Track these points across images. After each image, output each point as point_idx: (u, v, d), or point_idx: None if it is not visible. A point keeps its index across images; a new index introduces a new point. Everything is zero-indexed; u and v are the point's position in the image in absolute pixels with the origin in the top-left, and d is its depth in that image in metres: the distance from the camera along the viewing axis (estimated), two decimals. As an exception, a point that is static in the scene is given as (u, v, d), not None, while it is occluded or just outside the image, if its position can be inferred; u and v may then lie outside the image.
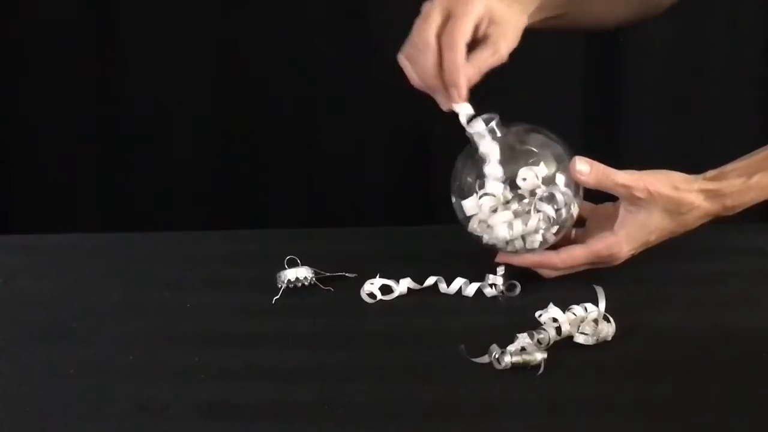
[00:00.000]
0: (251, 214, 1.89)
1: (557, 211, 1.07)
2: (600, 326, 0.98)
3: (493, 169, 1.07)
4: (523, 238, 1.08)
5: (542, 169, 1.07)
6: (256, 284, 1.11)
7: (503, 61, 1.09)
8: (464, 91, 1.06)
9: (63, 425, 0.88)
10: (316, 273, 1.11)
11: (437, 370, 0.95)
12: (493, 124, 1.07)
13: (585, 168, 1.07)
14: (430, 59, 1.06)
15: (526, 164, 1.07)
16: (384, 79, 1.83)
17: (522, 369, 0.93)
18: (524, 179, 1.06)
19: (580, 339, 0.97)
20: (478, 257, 1.11)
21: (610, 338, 0.98)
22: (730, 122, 1.84)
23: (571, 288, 1.07)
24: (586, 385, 0.92)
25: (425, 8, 1.08)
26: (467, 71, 1.06)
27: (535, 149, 1.08)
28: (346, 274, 1.12)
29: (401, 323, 1.04)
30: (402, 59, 1.09)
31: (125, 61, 1.86)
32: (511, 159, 1.07)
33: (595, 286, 1.02)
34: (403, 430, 0.87)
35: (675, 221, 1.08)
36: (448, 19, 1.07)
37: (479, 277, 1.09)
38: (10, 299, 1.11)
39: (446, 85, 1.06)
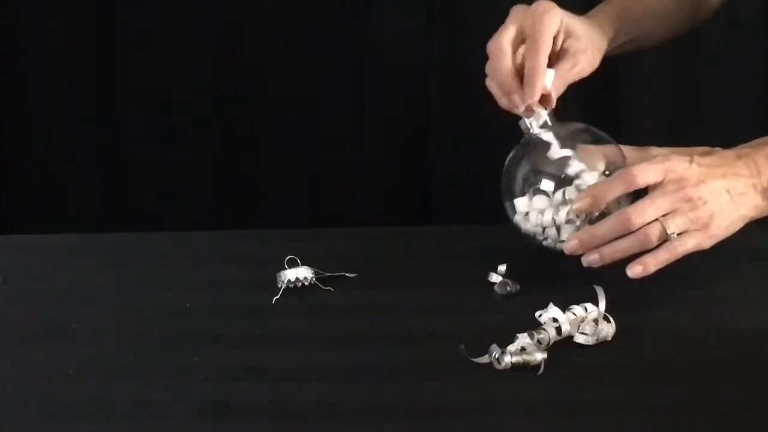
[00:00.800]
0: (251, 214, 1.89)
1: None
2: (600, 326, 0.98)
3: (555, 153, 1.08)
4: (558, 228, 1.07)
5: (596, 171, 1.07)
6: (256, 284, 1.11)
7: (584, 76, 1.14)
8: (538, 93, 1.08)
9: (63, 425, 0.88)
10: (316, 273, 1.11)
11: (437, 370, 0.95)
12: (545, 115, 1.09)
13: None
14: (504, 64, 1.09)
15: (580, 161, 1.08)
16: (384, 79, 1.85)
17: (522, 369, 0.93)
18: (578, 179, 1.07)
19: (580, 339, 0.97)
20: (479, 257, 1.11)
21: (610, 338, 0.98)
22: (731, 123, 1.84)
23: (572, 288, 1.07)
24: (586, 385, 0.92)
25: (501, 27, 1.13)
26: (551, 80, 1.10)
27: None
28: (346, 274, 1.12)
29: (401, 323, 1.04)
30: (488, 82, 1.12)
31: (125, 61, 1.86)
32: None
33: (595, 286, 1.02)
34: (403, 430, 0.87)
35: (707, 153, 1.07)
36: (522, 31, 1.11)
37: (479, 276, 1.09)
38: (10, 299, 1.11)
39: (525, 87, 1.09)
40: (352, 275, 1.12)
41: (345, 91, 1.86)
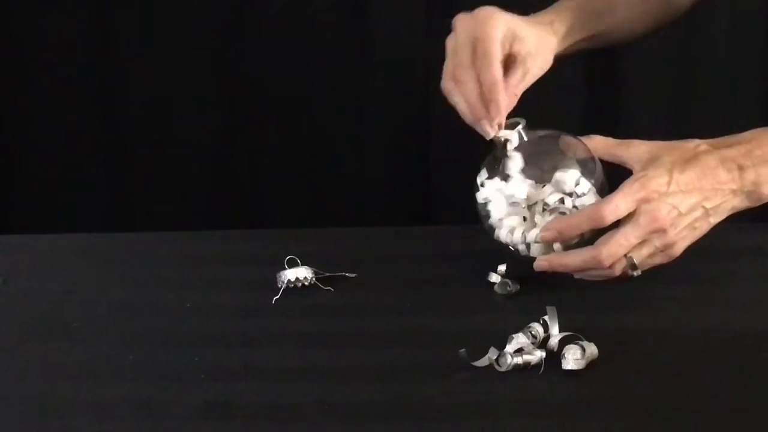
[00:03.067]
0: (251, 214, 1.89)
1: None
2: (587, 350, 0.95)
3: (516, 175, 1.09)
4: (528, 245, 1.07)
5: (573, 174, 1.07)
6: (256, 284, 1.11)
7: (536, 79, 1.11)
8: (503, 107, 1.06)
9: (63, 425, 0.88)
10: (316, 273, 1.11)
11: (437, 370, 0.94)
12: (519, 128, 1.08)
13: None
14: (472, 87, 1.07)
15: (553, 168, 1.08)
16: (384, 78, 1.85)
17: (523, 369, 0.93)
18: (558, 182, 1.07)
19: (569, 365, 0.94)
20: (479, 257, 1.11)
21: (596, 356, 0.96)
22: (730, 123, 1.84)
23: (571, 288, 1.07)
24: (586, 385, 0.92)
25: (449, 43, 1.10)
26: (505, 94, 1.07)
27: (561, 154, 1.09)
28: (346, 274, 1.12)
29: (401, 323, 1.04)
30: (444, 90, 1.10)
31: (125, 61, 1.86)
32: (536, 163, 1.09)
33: (548, 306, 0.99)
34: (403, 430, 0.87)
35: (691, 165, 1.04)
36: (473, 41, 1.07)
37: (479, 276, 1.09)
38: (10, 299, 1.11)
39: (486, 102, 1.06)
40: (352, 275, 1.12)
41: (345, 91, 1.86)
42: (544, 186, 1.08)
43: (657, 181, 1.03)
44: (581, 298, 1.05)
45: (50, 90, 1.88)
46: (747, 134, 1.08)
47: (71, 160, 1.90)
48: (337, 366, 0.96)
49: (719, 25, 1.82)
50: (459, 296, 1.09)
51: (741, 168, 1.05)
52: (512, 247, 1.08)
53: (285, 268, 1.10)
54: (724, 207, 1.05)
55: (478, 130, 1.08)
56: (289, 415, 0.88)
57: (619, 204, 1.02)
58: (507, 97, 1.07)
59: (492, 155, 1.10)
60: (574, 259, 1.04)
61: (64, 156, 1.90)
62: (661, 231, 1.03)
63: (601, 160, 1.09)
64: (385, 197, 1.88)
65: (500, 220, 1.08)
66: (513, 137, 1.08)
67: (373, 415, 0.88)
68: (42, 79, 1.87)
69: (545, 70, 1.13)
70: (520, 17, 1.13)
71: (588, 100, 1.83)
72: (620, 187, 1.04)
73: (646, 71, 1.84)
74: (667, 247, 1.04)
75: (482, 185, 1.10)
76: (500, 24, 1.08)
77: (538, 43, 1.12)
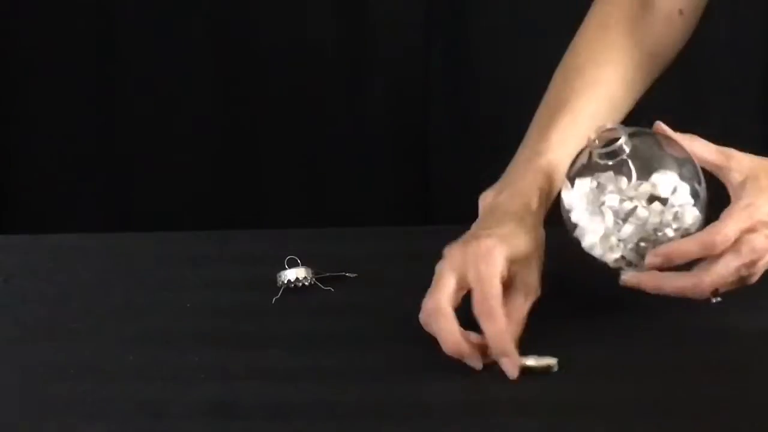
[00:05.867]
0: (251, 214, 1.89)
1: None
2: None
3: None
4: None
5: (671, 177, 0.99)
6: (256, 284, 1.11)
7: (539, 295, 1.00)
8: (516, 357, 0.94)
9: (63, 425, 0.88)
10: (316, 273, 1.11)
11: (437, 370, 0.94)
12: (622, 142, 0.98)
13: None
14: (449, 327, 0.95)
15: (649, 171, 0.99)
16: (384, 78, 1.85)
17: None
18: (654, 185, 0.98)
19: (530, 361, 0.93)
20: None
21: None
22: (731, 124, 1.84)
23: (570, 288, 1.07)
24: (586, 385, 0.92)
25: (437, 270, 1.00)
26: (511, 332, 0.96)
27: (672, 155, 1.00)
28: (346, 274, 1.12)
29: (401, 323, 1.04)
30: (423, 323, 0.99)
31: (125, 61, 1.86)
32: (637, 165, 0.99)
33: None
34: (403, 430, 0.87)
35: None
36: (462, 280, 0.97)
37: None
38: (10, 299, 1.11)
39: (495, 356, 0.95)
40: (352, 275, 1.12)
41: (345, 91, 1.86)
42: (640, 185, 0.98)
43: (762, 210, 0.98)
44: (579, 299, 1.05)
45: (50, 90, 1.88)
46: None
47: (71, 160, 1.90)
48: (337, 366, 0.96)
49: (719, 26, 1.82)
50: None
51: None
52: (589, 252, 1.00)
53: (285, 268, 1.10)
54: None
55: (469, 362, 0.96)
56: (289, 415, 0.88)
57: (730, 234, 0.97)
58: (514, 329, 0.96)
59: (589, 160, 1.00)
60: (671, 284, 0.98)
61: (64, 156, 1.90)
62: (754, 266, 0.99)
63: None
64: (385, 197, 1.88)
65: (583, 228, 1.00)
66: (621, 147, 0.98)
67: (373, 415, 0.88)
68: (42, 79, 1.87)
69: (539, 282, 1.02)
70: (521, 237, 1.00)
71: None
72: (728, 214, 0.98)
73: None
74: (750, 276, 1.00)
75: (572, 184, 1.00)
76: (499, 261, 0.97)
77: (534, 255, 1.00)
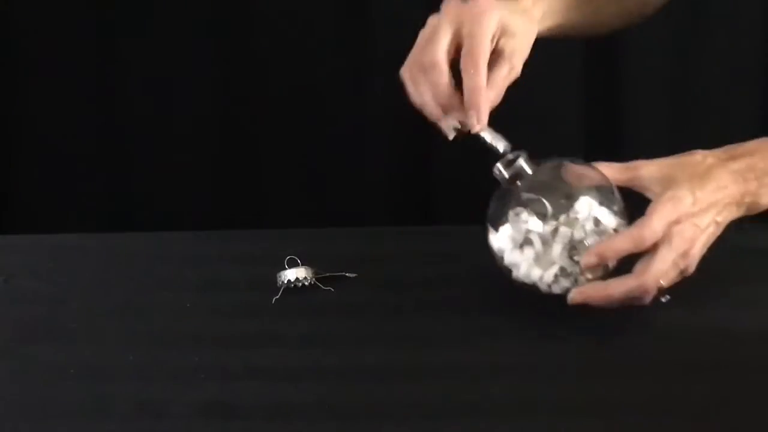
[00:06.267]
0: (251, 214, 1.89)
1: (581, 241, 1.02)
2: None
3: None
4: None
5: (589, 202, 1.02)
6: (256, 284, 1.11)
7: (518, 76, 1.05)
8: (485, 116, 1.01)
9: (63, 425, 0.88)
10: (316, 273, 1.11)
11: (437, 370, 0.95)
12: (521, 161, 1.03)
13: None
14: (442, 80, 1.01)
15: (563, 198, 1.03)
16: (384, 78, 1.85)
17: (524, 367, 0.93)
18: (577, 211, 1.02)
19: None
20: (478, 257, 1.11)
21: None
22: (732, 124, 1.84)
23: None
24: (587, 385, 0.92)
25: (431, 23, 1.04)
26: (489, 94, 1.01)
27: (571, 182, 1.04)
28: (346, 274, 1.12)
29: (401, 323, 1.04)
30: (405, 76, 1.04)
31: (125, 61, 1.86)
32: (548, 194, 1.03)
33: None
34: (403, 430, 0.87)
35: (700, 176, 1.02)
36: (458, 34, 1.02)
37: (479, 276, 1.09)
38: (10, 299, 1.11)
39: (466, 108, 1.01)
40: (352, 275, 1.12)
41: (345, 91, 1.86)
42: (559, 218, 1.02)
43: (684, 202, 1.01)
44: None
45: (50, 90, 1.87)
46: (750, 145, 1.07)
47: (71, 160, 1.90)
48: (337, 366, 0.96)
49: (719, 26, 1.82)
50: (459, 296, 1.09)
51: (745, 181, 1.04)
52: (530, 283, 1.03)
53: (285, 268, 1.10)
54: (729, 219, 1.05)
55: (443, 126, 1.04)
56: (289, 415, 0.88)
57: (656, 227, 0.99)
58: (492, 95, 1.02)
59: (499, 192, 1.05)
60: (617, 289, 1.00)
61: (64, 156, 1.90)
62: (689, 256, 1.01)
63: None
64: (385, 197, 1.88)
65: (514, 258, 1.03)
66: (520, 162, 1.03)
67: (373, 415, 0.88)
68: (42, 79, 1.87)
69: (523, 62, 1.08)
70: (511, 4, 1.07)
71: (588, 100, 1.83)
72: (652, 209, 1.01)
73: (646, 72, 1.84)
74: (687, 267, 1.02)
75: (495, 230, 1.04)
76: (493, 22, 1.02)
77: (524, 38, 1.07)
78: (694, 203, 1.02)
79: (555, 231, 1.02)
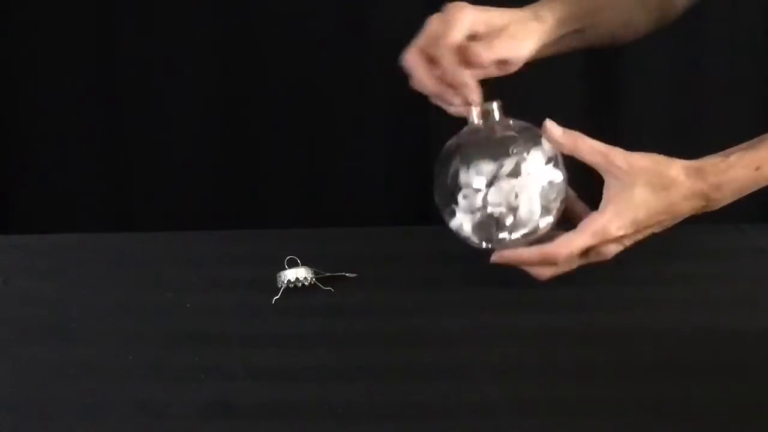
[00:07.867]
0: (251, 214, 1.89)
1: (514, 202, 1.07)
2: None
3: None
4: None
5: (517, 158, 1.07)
6: (256, 284, 1.11)
7: (518, 59, 1.10)
8: (473, 87, 1.07)
9: (63, 425, 0.88)
10: (316, 273, 1.11)
11: (437, 370, 0.95)
12: (495, 105, 1.08)
13: (557, 130, 1.06)
14: (421, 74, 1.09)
15: (507, 150, 1.08)
16: (383, 78, 1.85)
17: (524, 367, 0.93)
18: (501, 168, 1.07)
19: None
20: (478, 257, 1.11)
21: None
22: (732, 124, 1.84)
23: (570, 286, 1.07)
24: (586, 385, 0.92)
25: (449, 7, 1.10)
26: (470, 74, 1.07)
27: (514, 133, 1.09)
28: (346, 274, 1.12)
29: (401, 323, 1.04)
30: (405, 64, 1.11)
31: (125, 61, 1.86)
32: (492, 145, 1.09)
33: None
34: (403, 430, 0.87)
35: (660, 198, 1.04)
36: (433, 39, 1.09)
37: (479, 276, 1.09)
38: (10, 299, 1.11)
39: (456, 88, 1.08)
40: (352, 275, 1.12)
41: (345, 90, 1.86)
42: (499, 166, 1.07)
43: (617, 225, 1.04)
44: (579, 298, 1.05)
45: (51, 90, 1.88)
46: (732, 159, 1.06)
47: (71, 160, 1.90)
48: (337, 366, 0.96)
49: (719, 26, 1.82)
50: (459, 296, 1.09)
51: (707, 199, 1.06)
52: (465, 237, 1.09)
53: (285, 268, 1.10)
54: (669, 226, 1.08)
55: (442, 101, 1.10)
56: (289, 415, 0.88)
57: (575, 252, 1.04)
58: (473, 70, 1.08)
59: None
60: (530, 255, 1.05)
61: (64, 156, 1.90)
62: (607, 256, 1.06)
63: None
64: (385, 197, 1.88)
65: (455, 216, 1.09)
66: (493, 106, 1.09)
67: (373, 415, 0.88)
68: (42, 79, 1.87)
69: (521, 54, 1.11)
70: (499, 9, 1.11)
71: (588, 100, 1.83)
72: (581, 228, 1.04)
73: (646, 72, 1.84)
74: (601, 262, 1.07)
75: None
76: (465, 17, 1.08)
77: (513, 26, 1.10)
78: (630, 226, 1.04)
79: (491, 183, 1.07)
